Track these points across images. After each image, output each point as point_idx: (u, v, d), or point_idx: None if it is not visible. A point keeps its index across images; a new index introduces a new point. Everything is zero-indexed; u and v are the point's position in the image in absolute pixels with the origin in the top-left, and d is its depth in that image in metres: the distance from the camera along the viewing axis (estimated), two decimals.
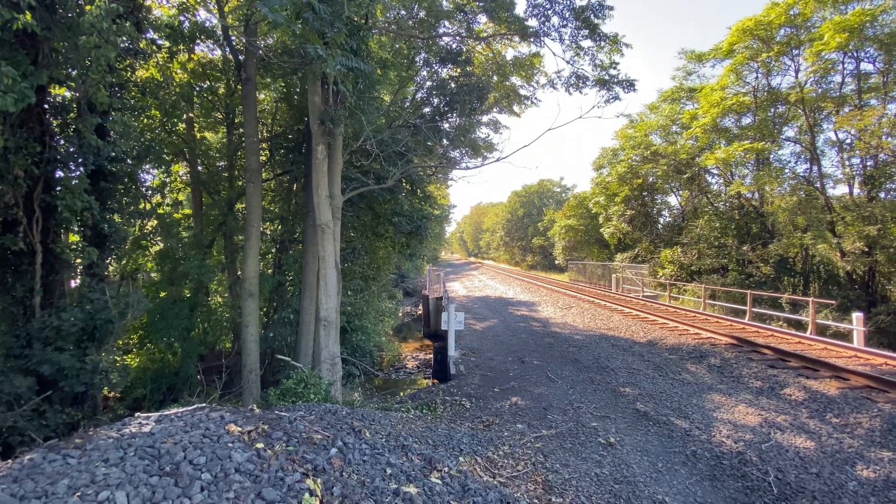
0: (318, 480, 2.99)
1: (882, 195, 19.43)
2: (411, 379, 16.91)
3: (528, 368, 10.38)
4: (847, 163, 20.66)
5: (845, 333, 13.15)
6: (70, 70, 7.50)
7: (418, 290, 35.54)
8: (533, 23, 11.16)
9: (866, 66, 19.81)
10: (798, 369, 8.63)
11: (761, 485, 5.15)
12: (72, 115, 7.82)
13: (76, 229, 8.56)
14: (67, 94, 8.05)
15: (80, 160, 7.56)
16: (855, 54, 19.34)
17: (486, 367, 10.78)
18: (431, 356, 18.98)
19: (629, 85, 11.33)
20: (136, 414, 3.76)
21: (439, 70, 13.48)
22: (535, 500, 4.67)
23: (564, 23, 10.79)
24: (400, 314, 29.21)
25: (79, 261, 7.92)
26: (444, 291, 21.41)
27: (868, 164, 19.58)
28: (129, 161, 9.14)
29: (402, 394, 10.72)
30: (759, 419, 6.76)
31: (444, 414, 7.81)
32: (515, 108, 17.13)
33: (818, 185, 21.16)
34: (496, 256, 79.45)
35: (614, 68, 11.43)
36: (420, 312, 28.01)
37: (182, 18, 10.69)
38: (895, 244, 16.82)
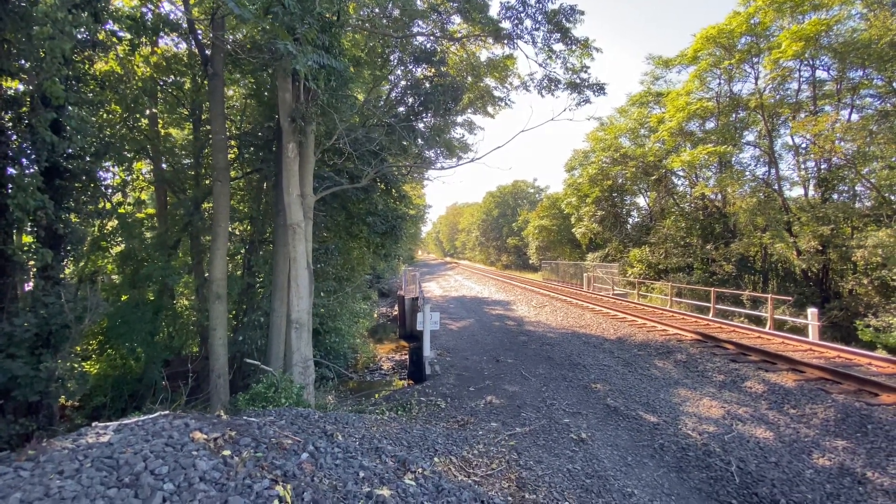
0: (288, 486, 2.92)
1: (835, 197, 20.57)
2: (387, 380, 16.77)
3: (502, 367, 10.47)
4: (802, 166, 21.76)
5: (801, 328, 13.78)
6: (22, 62, 7.11)
7: (394, 291, 35.31)
8: (506, 25, 11.27)
9: (821, 74, 20.92)
10: (758, 363, 9.00)
11: (724, 474, 5.35)
12: (24, 109, 7.41)
13: (29, 229, 8.11)
14: (21, 87, 7.62)
15: (33, 156, 7.16)
16: (811, 62, 20.34)
17: (462, 366, 10.81)
18: (407, 357, 18.88)
19: (599, 88, 11.60)
20: (94, 423, 3.58)
21: (414, 69, 13.43)
22: (510, 498, 4.71)
23: (537, 26, 10.95)
24: (375, 315, 28.93)
25: (32, 263, 7.50)
26: (419, 292, 21.35)
27: (822, 167, 20.65)
28: (86, 158, 8.71)
29: (377, 395, 10.62)
30: (722, 412, 7.02)
31: (420, 414, 7.79)
32: (490, 109, 17.27)
33: (776, 187, 22.18)
34: (472, 256, 79.81)
35: (585, 72, 11.68)
36: (396, 313, 27.84)
37: (144, 10, 10.26)
38: (847, 243, 17.78)
